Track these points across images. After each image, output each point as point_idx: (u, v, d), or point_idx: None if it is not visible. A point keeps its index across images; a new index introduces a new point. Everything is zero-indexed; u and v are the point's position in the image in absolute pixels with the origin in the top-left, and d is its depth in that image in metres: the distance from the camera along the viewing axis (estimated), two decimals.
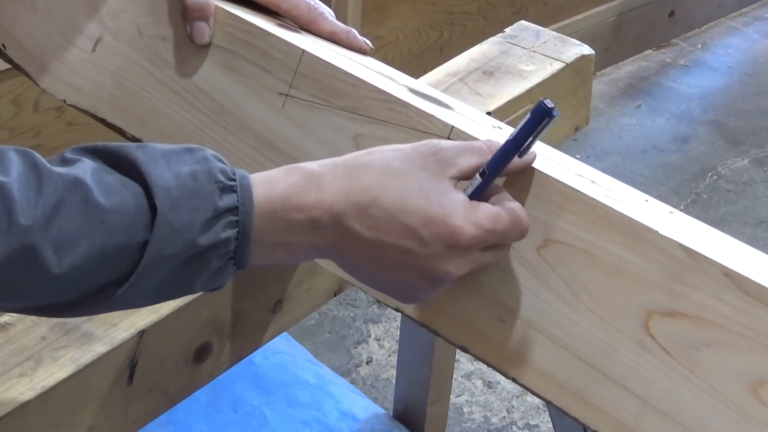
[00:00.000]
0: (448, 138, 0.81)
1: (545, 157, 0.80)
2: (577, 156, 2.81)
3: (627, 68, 3.31)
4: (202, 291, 0.72)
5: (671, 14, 3.43)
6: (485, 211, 0.71)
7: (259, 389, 1.61)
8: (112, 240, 0.66)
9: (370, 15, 2.48)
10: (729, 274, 0.68)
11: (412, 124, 0.83)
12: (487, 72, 1.16)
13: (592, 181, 0.78)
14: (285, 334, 1.51)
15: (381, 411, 1.67)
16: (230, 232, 0.69)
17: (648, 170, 2.80)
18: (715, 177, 2.79)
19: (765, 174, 2.81)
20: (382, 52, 2.57)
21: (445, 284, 0.74)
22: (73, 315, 0.72)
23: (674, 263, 0.71)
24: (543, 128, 0.71)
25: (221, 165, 0.70)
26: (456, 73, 1.15)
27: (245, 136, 0.94)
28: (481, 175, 0.73)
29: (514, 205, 0.74)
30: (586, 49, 1.21)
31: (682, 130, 3.00)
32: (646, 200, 0.78)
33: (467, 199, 0.72)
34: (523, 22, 1.26)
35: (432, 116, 0.82)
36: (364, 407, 1.65)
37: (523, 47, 1.20)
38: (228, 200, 0.69)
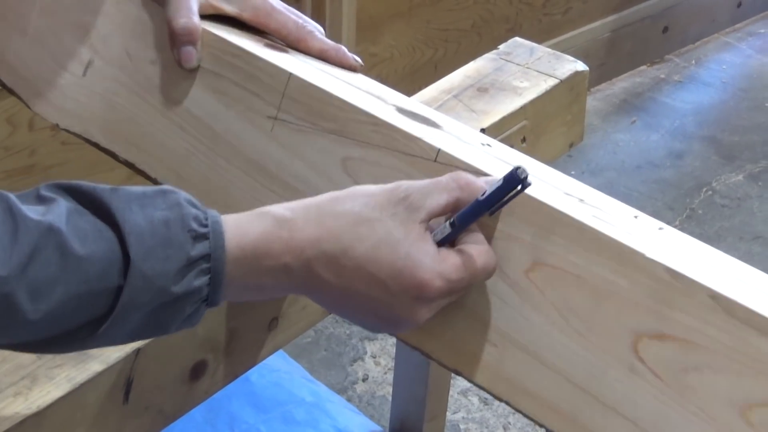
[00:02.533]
0: (435, 160, 0.81)
1: (534, 176, 0.80)
2: (572, 172, 2.81)
3: (621, 84, 3.32)
4: (177, 331, 0.73)
5: (665, 30, 3.44)
6: (453, 262, 0.72)
7: (255, 407, 1.61)
8: (87, 286, 0.66)
9: (365, 32, 2.48)
10: (715, 297, 0.68)
11: (398, 147, 0.83)
12: (482, 89, 1.16)
13: (581, 200, 0.78)
14: (281, 351, 1.51)
15: (378, 428, 1.67)
16: (203, 280, 0.70)
17: (643, 186, 2.81)
18: (710, 192, 2.80)
19: (760, 189, 2.82)
20: (376, 70, 2.58)
21: (412, 328, 0.75)
22: (49, 352, 0.73)
23: (661, 286, 0.70)
24: (516, 194, 0.72)
25: (194, 211, 0.70)
26: (450, 90, 1.16)
27: (235, 159, 0.94)
28: (451, 225, 0.73)
29: (482, 248, 0.74)
30: (581, 65, 1.21)
31: (676, 146, 3.00)
32: (636, 216, 0.78)
33: (436, 249, 0.73)
34: (517, 38, 1.27)
35: (418, 139, 0.82)
36: (361, 425, 1.65)
37: (517, 64, 1.21)
38: (200, 248, 0.69)
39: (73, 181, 0.70)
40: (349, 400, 2.01)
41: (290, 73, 0.90)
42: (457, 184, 0.75)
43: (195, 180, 0.97)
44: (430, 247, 0.72)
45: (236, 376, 1.01)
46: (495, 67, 1.20)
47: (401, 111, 0.88)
